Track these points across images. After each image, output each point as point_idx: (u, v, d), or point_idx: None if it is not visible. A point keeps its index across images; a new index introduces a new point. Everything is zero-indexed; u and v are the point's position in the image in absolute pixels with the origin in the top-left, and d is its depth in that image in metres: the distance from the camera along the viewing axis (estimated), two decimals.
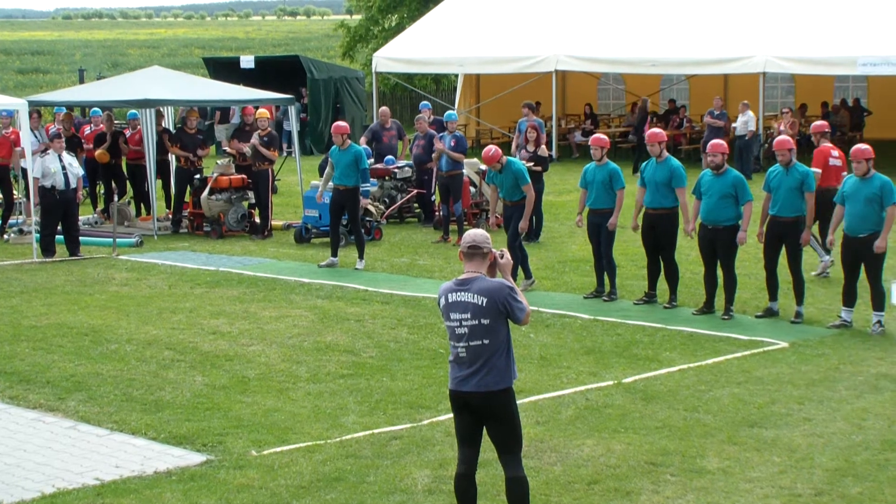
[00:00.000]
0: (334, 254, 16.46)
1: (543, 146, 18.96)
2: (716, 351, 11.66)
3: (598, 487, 7.98)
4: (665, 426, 9.27)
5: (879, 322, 12.13)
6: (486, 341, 6.94)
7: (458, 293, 7.00)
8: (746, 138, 26.36)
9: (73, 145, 20.12)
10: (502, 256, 7.12)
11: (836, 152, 15.30)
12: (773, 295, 12.92)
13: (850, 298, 12.34)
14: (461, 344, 6.99)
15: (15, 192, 20.89)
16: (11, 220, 20.03)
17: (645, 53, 30.01)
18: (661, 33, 30.44)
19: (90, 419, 9.63)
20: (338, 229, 16.50)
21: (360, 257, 16.36)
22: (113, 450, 8.89)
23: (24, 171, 19.04)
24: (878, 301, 12.13)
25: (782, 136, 13.19)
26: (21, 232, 19.30)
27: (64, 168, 17.61)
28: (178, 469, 8.43)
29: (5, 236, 19.51)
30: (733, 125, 27.05)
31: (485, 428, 7.13)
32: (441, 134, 19.64)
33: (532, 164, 18.45)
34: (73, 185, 17.71)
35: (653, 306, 13.67)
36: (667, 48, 29.93)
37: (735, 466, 8.37)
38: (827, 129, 16.00)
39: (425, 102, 23.14)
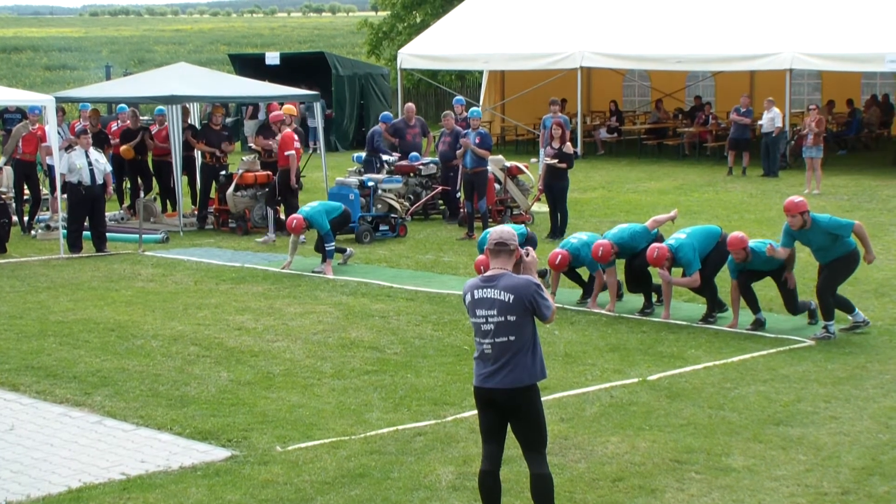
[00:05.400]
0: (341, 250, 16.59)
1: (568, 143, 18.93)
2: (741, 349, 11.60)
3: (623, 485, 7.96)
4: (690, 424, 9.23)
5: (827, 328, 12.01)
6: (511, 338, 6.93)
7: (485, 290, 6.99)
8: (773, 135, 26.22)
9: (100, 142, 20.20)
10: (528, 254, 7.11)
11: (296, 136, 19.05)
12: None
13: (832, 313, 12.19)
14: (487, 340, 6.98)
15: (42, 188, 21.03)
16: (39, 216, 20.15)
17: (670, 50, 29.89)
18: (687, 30, 30.31)
19: (116, 414, 9.68)
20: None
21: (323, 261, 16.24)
22: (139, 445, 8.94)
23: (51, 167, 19.15)
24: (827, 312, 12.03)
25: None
26: (48, 228, 19.40)
27: (90, 164, 17.69)
28: (203, 464, 8.46)
29: (33, 232, 19.63)
30: (759, 122, 26.91)
31: (509, 425, 7.12)
32: (465, 131, 19.63)
33: (557, 160, 18.45)
34: (99, 181, 17.79)
35: (679, 305, 13.60)
36: (692, 45, 29.80)
37: (760, 465, 8.33)
38: (284, 118, 19.47)
39: (459, 98, 23.12)
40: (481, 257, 12.78)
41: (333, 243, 16.06)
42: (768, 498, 7.74)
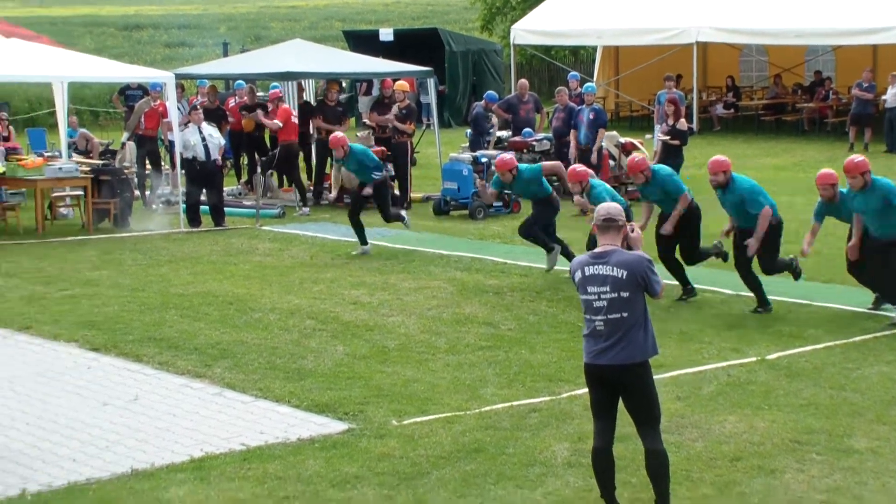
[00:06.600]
0: (399, 217, 16.43)
1: (682, 119, 18.68)
2: (863, 329, 11.35)
3: (742, 465, 7.86)
4: (810, 404, 9.07)
5: None
6: (624, 314, 6.89)
7: (596, 266, 6.95)
8: None
9: (218, 118, 20.50)
10: (633, 231, 7.07)
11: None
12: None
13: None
14: (599, 317, 6.94)
15: (164, 163, 21.46)
16: (160, 191, 20.58)
17: (789, 24, 29.23)
18: (806, 3, 29.57)
19: (235, 386, 9.86)
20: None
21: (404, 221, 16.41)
22: (258, 416, 9.09)
23: (172, 142, 19.53)
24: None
25: (826, 171, 11.93)
26: (168, 202, 19.81)
27: (204, 139, 17.96)
28: (320, 437, 8.58)
29: (153, 206, 20.06)
30: (883, 97, 26.20)
31: (621, 401, 7.08)
32: (580, 107, 19.49)
33: (669, 137, 18.22)
34: (214, 157, 18.04)
35: (799, 282, 13.30)
36: (812, 18, 29.10)
37: (885, 447, 8.15)
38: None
39: (573, 73, 22.98)
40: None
41: (382, 171, 15.87)
42: (893, 481, 7.57)
